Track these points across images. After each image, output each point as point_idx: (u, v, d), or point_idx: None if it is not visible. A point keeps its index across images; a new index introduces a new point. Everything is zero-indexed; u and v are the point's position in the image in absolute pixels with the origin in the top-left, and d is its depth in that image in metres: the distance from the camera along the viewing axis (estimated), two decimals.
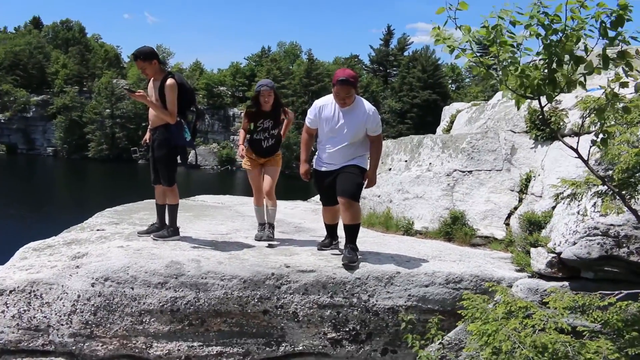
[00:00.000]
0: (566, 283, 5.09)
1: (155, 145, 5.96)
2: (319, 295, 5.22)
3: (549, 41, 2.94)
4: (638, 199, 3.93)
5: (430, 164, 7.42)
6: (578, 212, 4.99)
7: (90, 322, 5.09)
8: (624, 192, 3.88)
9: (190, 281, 5.12)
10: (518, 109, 3.29)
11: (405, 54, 74.04)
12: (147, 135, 6.20)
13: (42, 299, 5.18)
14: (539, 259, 5.27)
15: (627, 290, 4.28)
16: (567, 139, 5.59)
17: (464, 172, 7.07)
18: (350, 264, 5.37)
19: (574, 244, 4.94)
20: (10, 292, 5.19)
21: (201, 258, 5.38)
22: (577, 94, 6.13)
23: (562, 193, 4.31)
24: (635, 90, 3.27)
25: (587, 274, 5.08)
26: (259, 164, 6.39)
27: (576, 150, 3.44)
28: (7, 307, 5.17)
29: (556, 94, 3.10)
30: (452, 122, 9.65)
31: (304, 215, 8.28)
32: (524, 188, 6.68)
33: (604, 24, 2.89)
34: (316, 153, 5.81)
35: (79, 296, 5.10)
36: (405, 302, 5.26)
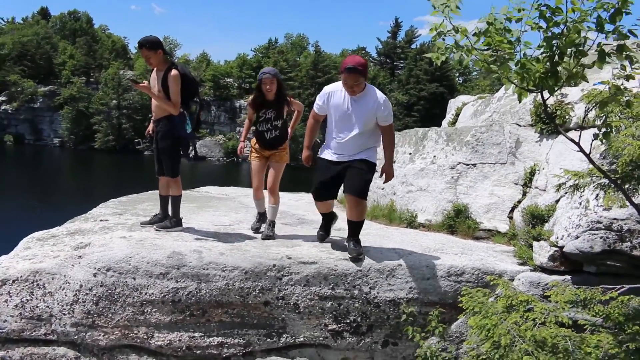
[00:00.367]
0: (568, 277, 5.06)
1: (159, 136, 5.95)
2: (320, 286, 5.22)
3: (550, 34, 2.91)
4: None
5: (434, 156, 7.40)
6: (581, 206, 4.96)
7: (92, 312, 5.11)
8: (627, 186, 3.85)
9: (191, 272, 5.14)
10: (520, 101, 3.26)
11: (413, 46, 73.73)
12: (151, 127, 6.19)
13: (44, 289, 5.20)
14: (542, 252, 5.25)
15: (630, 285, 4.26)
16: (572, 133, 5.57)
17: (468, 165, 7.05)
18: (358, 257, 5.36)
19: (577, 237, 4.91)
20: (14, 281, 5.22)
21: (203, 249, 5.39)
22: (583, 87, 6.08)
23: (565, 184, 4.28)
24: None
25: (590, 268, 5.06)
26: (264, 157, 6.26)
27: (577, 144, 3.41)
28: (10, 297, 5.20)
29: (558, 87, 3.07)
30: (457, 115, 9.62)
31: (307, 207, 8.27)
32: (528, 181, 6.65)
33: (600, 18, 2.86)
34: (325, 142, 5.68)
35: (81, 286, 5.12)
36: (406, 294, 5.25)
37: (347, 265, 5.30)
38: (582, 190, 4.19)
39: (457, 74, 74.04)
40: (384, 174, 5.51)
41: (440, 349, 5.07)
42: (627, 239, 4.77)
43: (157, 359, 5.18)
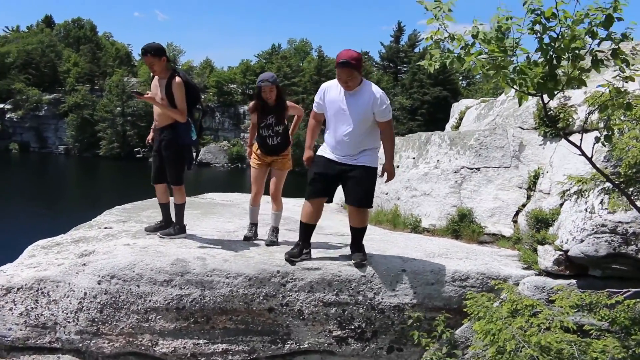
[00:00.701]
0: (573, 281, 5.04)
1: (163, 145, 5.90)
2: (324, 293, 5.21)
3: (546, 37, 2.91)
4: None
5: (438, 161, 7.39)
6: (586, 210, 4.93)
7: (96, 320, 5.11)
8: (631, 189, 3.83)
9: (195, 279, 5.14)
10: (520, 105, 3.26)
11: (416, 50, 73.67)
12: (151, 135, 6.17)
13: (49, 297, 5.21)
14: (546, 256, 5.23)
15: (635, 289, 4.24)
16: (576, 136, 5.55)
17: (471, 169, 7.04)
18: (362, 262, 5.35)
19: (582, 241, 4.89)
20: (18, 289, 5.23)
21: (207, 256, 5.39)
22: (586, 90, 6.06)
23: (569, 190, 4.27)
24: None
25: (595, 271, 5.03)
26: (266, 164, 6.22)
27: (579, 147, 3.40)
28: (15, 305, 5.21)
29: (558, 91, 3.07)
30: (460, 119, 9.61)
31: None
32: (532, 185, 6.64)
33: (592, 25, 2.85)
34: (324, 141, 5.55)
35: (85, 294, 5.13)
36: (410, 299, 5.24)
37: (351, 271, 5.29)
38: (586, 195, 4.17)
39: (461, 78, 73.96)
40: (385, 173, 5.42)
41: (445, 355, 5.05)
42: (633, 242, 4.74)
43: None
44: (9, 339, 5.17)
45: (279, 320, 5.20)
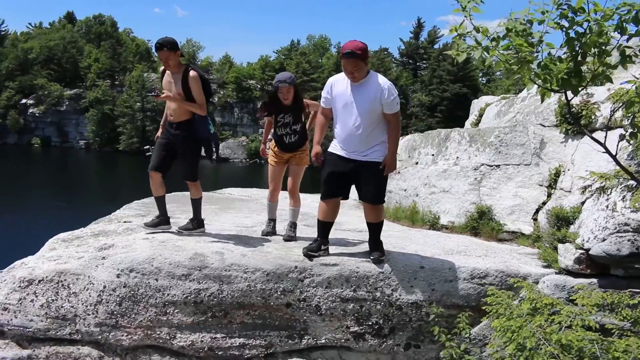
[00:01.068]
0: (594, 280, 4.97)
1: (179, 141, 5.86)
2: (341, 288, 5.21)
3: (572, 33, 2.85)
4: None
5: (457, 157, 7.33)
6: (607, 208, 4.86)
7: (115, 313, 5.16)
8: None
9: (213, 273, 5.15)
10: (542, 101, 3.21)
11: (436, 47, 73.20)
12: (160, 132, 6.13)
13: (69, 289, 5.26)
14: (567, 255, 5.16)
15: None
16: (599, 133, 5.47)
17: (491, 166, 6.97)
18: (380, 259, 5.32)
19: (604, 240, 4.82)
20: (39, 281, 5.29)
21: (225, 250, 5.40)
22: (609, 87, 5.97)
23: (591, 186, 4.21)
24: None
25: (617, 271, 4.96)
26: (284, 160, 6.20)
27: (603, 145, 3.34)
28: (36, 297, 5.27)
29: (582, 87, 3.01)
30: (480, 116, 9.52)
31: None
32: (552, 183, 6.55)
33: (622, 20, 2.78)
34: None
35: (104, 287, 5.18)
36: (429, 296, 5.21)
37: (369, 267, 5.28)
38: (608, 192, 4.11)
39: (481, 75, 73.38)
40: (385, 165, 5.22)
41: (464, 352, 5.01)
42: None
43: (179, 359, 5.21)
44: (30, 330, 5.24)
45: (296, 316, 5.21)
